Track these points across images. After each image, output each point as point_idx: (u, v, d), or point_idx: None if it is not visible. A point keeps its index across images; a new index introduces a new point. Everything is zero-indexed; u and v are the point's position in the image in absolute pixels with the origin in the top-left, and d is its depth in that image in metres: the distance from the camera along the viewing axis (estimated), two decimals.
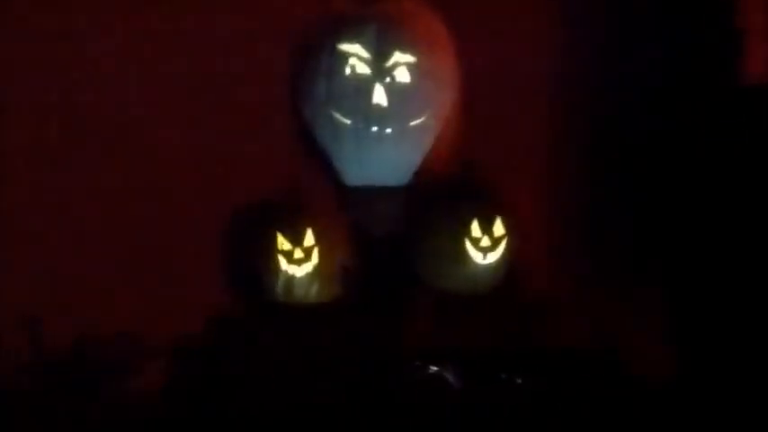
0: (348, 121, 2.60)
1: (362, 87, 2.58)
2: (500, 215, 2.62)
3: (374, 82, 2.57)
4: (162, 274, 2.72)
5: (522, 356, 2.58)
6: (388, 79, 2.58)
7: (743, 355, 2.64)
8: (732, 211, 2.71)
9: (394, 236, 2.69)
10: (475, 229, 2.60)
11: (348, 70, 2.58)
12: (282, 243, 2.60)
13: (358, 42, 2.58)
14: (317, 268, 2.60)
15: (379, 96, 2.58)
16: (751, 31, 2.76)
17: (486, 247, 2.61)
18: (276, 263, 2.60)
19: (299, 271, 2.60)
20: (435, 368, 2.53)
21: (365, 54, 2.58)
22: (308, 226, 2.60)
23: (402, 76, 2.59)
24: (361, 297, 2.64)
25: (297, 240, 2.60)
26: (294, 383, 2.53)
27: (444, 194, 2.66)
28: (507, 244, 2.63)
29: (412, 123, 2.61)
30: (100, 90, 2.71)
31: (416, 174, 2.68)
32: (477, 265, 2.61)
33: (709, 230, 2.74)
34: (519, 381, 2.53)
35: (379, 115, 2.58)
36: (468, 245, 2.60)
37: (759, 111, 2.73)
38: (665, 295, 2.79)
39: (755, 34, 2.76)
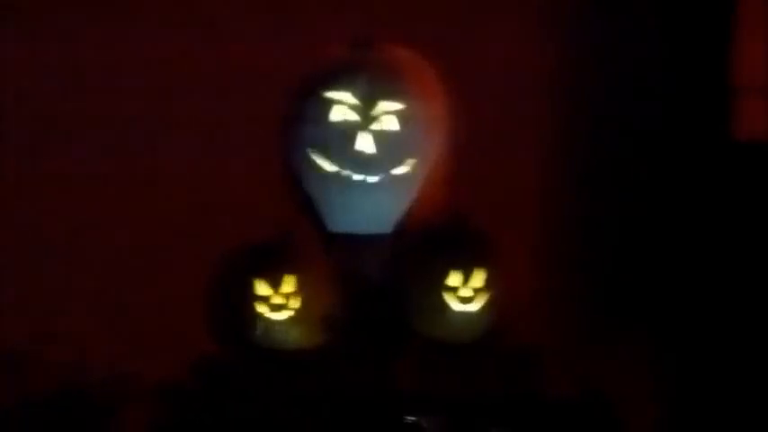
0: (333, 169, 2.60)
1: (348, 134, 2.58)
2: (483, 266, 2.60)
3: (360, 129, 2.58)
4: (147, 317, 2.71)
5: (507, 406, 2.55)
6: (374, 126, 2.58)
7: (734, 401, 2.64)
8: (722, 259, 2.71)
9: (378, 283, 2.67)
10: (453, 279, 2.59)
11: (334, 117, 2.59)
12: (260, 288, 2.59)
13: (345, 89, 2.58)
14: (297, 314, 2.59)
15: (365, 144, 2.58)
16: (744, 88, 2.76)
17: (465, 298, 2.59)
18: (254, 308, 2.59)
19: (278, 316, 2.58)
20: (413, 418, 2.51)
21: (352, 101, 2.58)
22: (289, 272, 2.59)
23: (389, 123, 2.59)
24: (344, 345, 2.62)
25: (275, 286, 2.59)
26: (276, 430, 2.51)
27: (428, 243, 2.65)
28: (490, 293, 2.61)
29: (398, 171, 2.61)
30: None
31: (402, 221, 2.67)
32: (457, 313, 2.59)
33: (699, 279, 2.74)
34: None
35: (365, 163, 2.59)
36: (447, 294, 2.59)
37: (751, 167, 2.73)
38: (654, 342, 2.78)
39: (748, 91, 2.76)
